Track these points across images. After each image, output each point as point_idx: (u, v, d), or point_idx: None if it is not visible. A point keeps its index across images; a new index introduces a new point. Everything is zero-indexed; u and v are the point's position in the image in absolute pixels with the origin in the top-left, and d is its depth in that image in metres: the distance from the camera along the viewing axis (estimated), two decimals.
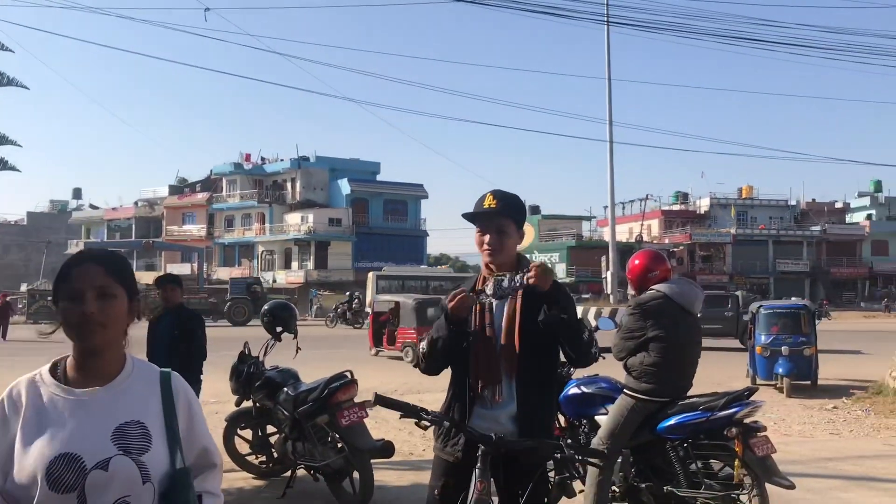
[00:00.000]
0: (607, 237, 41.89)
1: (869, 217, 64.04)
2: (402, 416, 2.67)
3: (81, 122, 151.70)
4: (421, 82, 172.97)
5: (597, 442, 4.45)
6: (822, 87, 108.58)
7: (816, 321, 13.29)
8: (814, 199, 66.13)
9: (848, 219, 65.60)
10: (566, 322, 2.69)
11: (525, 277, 2.63)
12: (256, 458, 6.39)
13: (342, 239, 54.47)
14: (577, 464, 4.98)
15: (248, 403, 6.33)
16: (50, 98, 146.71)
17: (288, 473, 5.82)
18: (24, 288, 44.05)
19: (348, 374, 5.64)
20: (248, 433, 6.41)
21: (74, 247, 53.56)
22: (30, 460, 1.58)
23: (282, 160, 59.40)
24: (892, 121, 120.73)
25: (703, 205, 62.86)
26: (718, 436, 4.30)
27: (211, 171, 63.22)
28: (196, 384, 5.62)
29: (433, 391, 9.81)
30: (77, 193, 78.90)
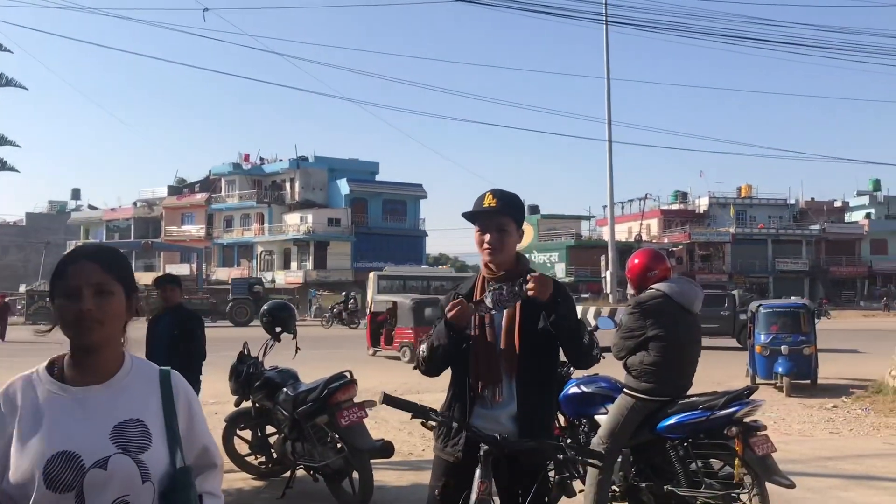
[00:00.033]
0: (606, 237, 41.87)
1: (868, 216, 64.09)
2: (412, 417, 2.68)
3: (80, 122, 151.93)
4: (420, 82, 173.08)
5: (597, 441, 4.45)
6: (821, 86, 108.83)
7: (816, 320, 13.29)
8: (813, 199, 66.26)
9: (847, 218, 65.66)
10: (567, 328, 2.69)
11: (524, 289, 2.63)
12: (256, 458, 6.38)
13: (341, 239, 54.46)
14: (577, 464, 4.97)
15: (247, 404, 6.32)
16: (48, 99, 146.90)
17: (287, 474, 5.81)
18: (22, 289, 44.00)
19: (347, 375, 5.64)
20: (247, 434, 6.40)
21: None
22: (26, 459, 1.55)
23: (280, 160, 59.39)
24: (891, 120, 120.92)
25: (703, 204, 62.89)
26: (718, 435, 4.30)
27: (210, 171, 63.20)
28: (195, 384, 5.61)
29: (433, 391, 9.80)
30: (76, 194, 78.94)
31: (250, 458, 6.41)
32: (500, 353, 2.75)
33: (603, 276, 40.65)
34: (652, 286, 4.49)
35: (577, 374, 5.09)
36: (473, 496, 2.56)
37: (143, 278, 36.00)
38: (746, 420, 4.33)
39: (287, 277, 53.41)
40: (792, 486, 4.25)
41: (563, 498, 2.74)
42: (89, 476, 1.54)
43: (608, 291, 38.14)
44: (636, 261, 4.68)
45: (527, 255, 3.04)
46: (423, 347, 2.87)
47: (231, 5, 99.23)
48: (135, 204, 65.96)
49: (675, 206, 64.74)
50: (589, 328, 2.86)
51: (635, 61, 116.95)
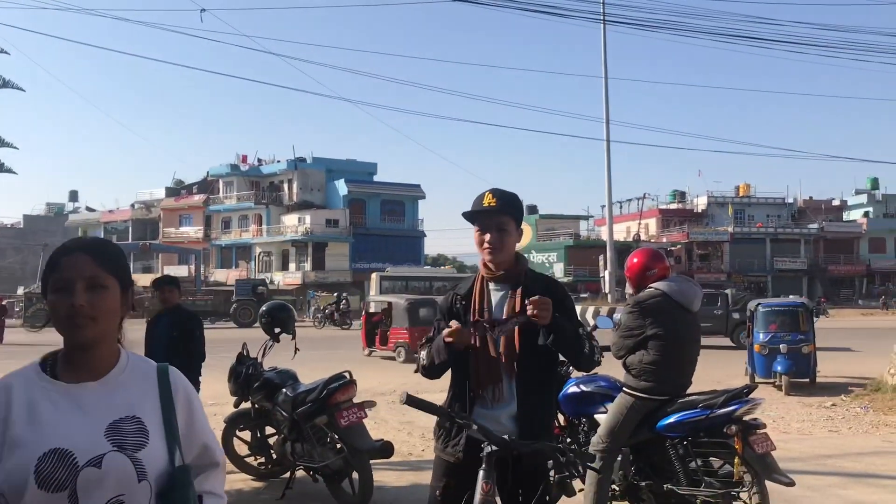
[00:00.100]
0: (605, 236, 41.87)
1: (866, 214, 64.13)
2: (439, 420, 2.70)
3: (77, 124, 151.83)
4: (417, 82, 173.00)
5: (596, 440, 4.45)
6: (819, 84, 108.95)
7: (815, 319, 13.31)
8: (811, 197, 66.27)
9: (845, 216, 65.69)
10: (568, 347, 2.72)
11: (524, 314, 2.63)
12: (255, 459, 6.38)
13: (339, 240, 54.43)
14: (577, 464, 4.97)
15: (246, 405, 6.32)
16: (46, 100, 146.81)
17: (287, 475, 5.81)
18: (20, 291, 43.93)
19: (347, 375, 5.63)
20: (246, 434, 6.39)
21: None
22: (18, 457, 1.49)
23: (278, 161, 59.35)
24: (889, 118, 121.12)
25: (701, 203, 62.93)
26: (718, 433, 4.30)
27: (207, 172, 63.16)
28: (194, 385, 5.59)
29: (432, 391, 9.76)
30: (73, 196, 78.85)
31: (250, 459, 6.40)
32: (499, 353, 2.76)
33: (601, 275, 40.65)
34: (651, 285, 4.49)
35: (577, 373, 5.09)
36: (477, 497, 2.55)
37: (142, 280, 35.98)
38: (746, 418, 4.33)
39: (285, 278, 53.38)
40: (792, 484, 4.25)
41: (563, 497, 2.74)
42: (83, 475, 1.49)
43: (607, 291, 38.15)
44: (635, 260, 4.68)
45: (525, 255, 3.04)
46: (423, 355, 2.87)
47: (228, 6, 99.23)
48: (132, 206, 65.93)
49: (674, 206, 64.76)
50: (588, 328, 2.87)
51: (633, 61, 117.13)
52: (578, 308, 26.41)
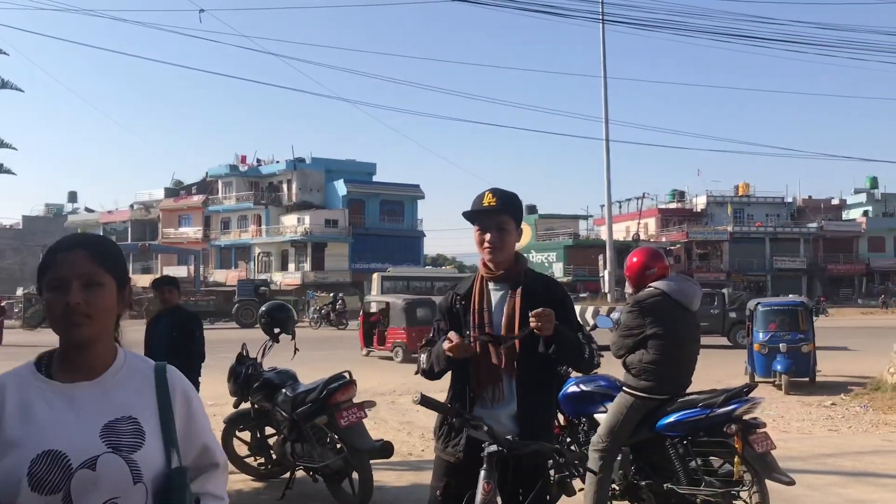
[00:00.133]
0: (604, 236, 41.87)
1: (865, 214, 64.15)
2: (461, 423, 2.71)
3: (76, 125, 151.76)
4: (416, 82, 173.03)
5: (596, 440, 4.45)
6: (817, 84, 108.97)
7: (814, 318, 13.31)
8: (810, 196, 66.26)
9: (844, 215, 65.71)
10: (569, 359, 2.74)
11: (527, 329, 2.64)
12: (255, 459, 6.38)
13: (339, 240, 54.41)
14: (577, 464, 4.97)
15: (246, 405, 6.32)
16: (44, 101, 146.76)
17: (287, 475, 5.81)
18: (19, 292, 43.90)
19: (347, 375, 5.63)
20: (246, 435, 6.39)
21: None
22: (11, 459, 1.46)
23: (277, 162, 59.32)
24: (888, 117, 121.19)
25: (700, 203, 62.93)
26: (718, 432, 4.30)
27: (206, 173, 63.12)
28: (194, 386, 5.60)
29: (431, 391, 9.77)
30: (72, 197, 78.80)
31: (250, 460, 6.40)
32: (499, 353, 2.75)
33: (601, 275, 40.65)
34: (650, 284, 4.49)
35: (576, 373, 5.09)
36: (479, 497, 2.55)
37: (141, 281, 35.97)
38: (746, 417, 4.33)
39: (285, 279, 53.34)
40: (792, 483, 4.25)
41: (564, 497, 2.75)
42: (77, 477, 1.45)
43: (606, 291, 38.14)
44: (634, 259, 4.68)
45: (525, 255, 3.04)
46: (423, 359, 2.87)
47: (227, 6, 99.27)
48: (132, 206, 65.87)
49: (673, 205, 64.75)
50: (587, 328, 2.87)
51: (632, 60, 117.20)
52: (578, 308, 26.57)
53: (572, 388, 5.07)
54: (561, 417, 5.21)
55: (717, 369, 12.84)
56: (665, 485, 4.41)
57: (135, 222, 64.08)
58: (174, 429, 1.60)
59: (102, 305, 1.55)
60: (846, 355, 17.08)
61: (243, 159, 61.26)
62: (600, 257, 41.39)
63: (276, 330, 6.35)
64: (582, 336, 2.79)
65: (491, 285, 2.86)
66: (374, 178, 59.21)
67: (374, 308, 19.50)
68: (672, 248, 55.42)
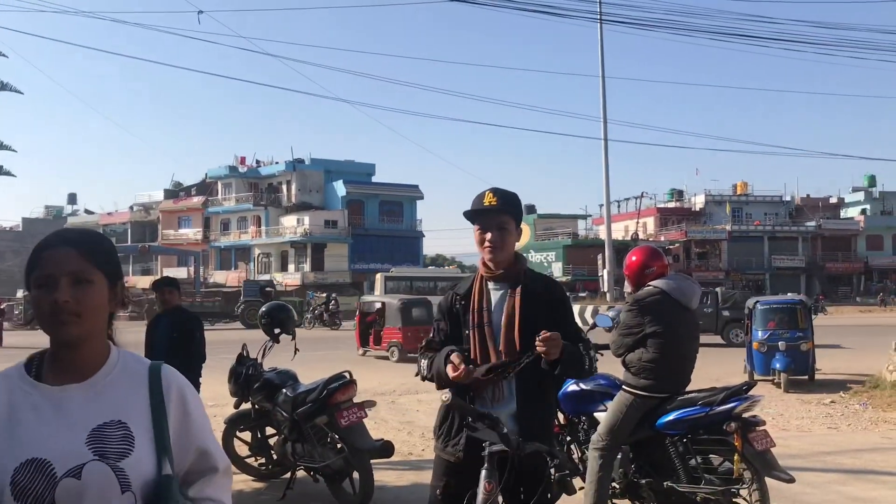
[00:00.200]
0: (603, 235, 41.86)
1: (863, 212, 64.20)
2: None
3: (76, 126, 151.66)
4: (415, 83, 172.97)
5: (596, 438, 4.46)
6: (816, 82, 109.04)
7: (813, 316, 13.32)
8: (808, 195, 66.29)
9: (842, 214, 65.75)
10: (572, 366, 2.73)
11: (533, 353, 2.64)
12: (256, 460, 6.38)
13: (338, 241, 54.40)
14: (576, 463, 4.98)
15: (246, 405, 6.32)
16: (44, 103, 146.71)
17: (288, 475, 5.81)
18: (19, 294, 43.92)
19: (347, 375, 5.64)
20: (247, 435, 6.40)
21: None
22: None
23: (277, 163, 59.32)
24: (886, 116, 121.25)
25: (698, 202, 62.95)
26: (718, 431, 4.31)
27: (206, 174, 63.08)
28: (194, 386, 5.61)
29: (431, 391, 9.79)
30: (72, 199, 78.69)
31: (250, 460, 6.41)
32: (499, 353, 2.76)
33: (600, 274, 40.65)
34: (649, 283, 4.50)
35: None
36: (480, 497, 2.56)
37: (141, 282, 35.91)
38: (745, 415, 4.34)
39: (285, 280, 53.28)
40: (791, 480, 4.26)
41: (564, 496, 2.76)
42: (62, 486, 1.38)
43: (605, 290, 38.16)
44: (633, 258, 4.69)
45: (524, 255, 3.05)
46: (424, 365, 2.87)
47: (226, 8, 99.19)
48: (131, 208, 65.83)
49: (672, 204, 64.76)
50: (587, 328, 2.89)
51: (631, 59, 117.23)
52: (577, 308, 26.56)
53: (572, 387, 5.08)
54: (561, 416, 5.21)
55: (713, 367, 12.85)
56: (665, 483, 4.42)
57: (134, 224, 64.04)
58: (167, 432, 1.51)
59: (92, 303, 1.48)
60: (845, 353, 17.10)
61: (242, 160, 61.25)
62: (599, 257, 41.39)
63: (277, 330, 6.36)
64: (582, 347, 2.80)
65: (491, 285, 2.87)
66: (374, 179, 59.21)
67: (370, 308, 19.56)
68: (671, 247, 55.44)
